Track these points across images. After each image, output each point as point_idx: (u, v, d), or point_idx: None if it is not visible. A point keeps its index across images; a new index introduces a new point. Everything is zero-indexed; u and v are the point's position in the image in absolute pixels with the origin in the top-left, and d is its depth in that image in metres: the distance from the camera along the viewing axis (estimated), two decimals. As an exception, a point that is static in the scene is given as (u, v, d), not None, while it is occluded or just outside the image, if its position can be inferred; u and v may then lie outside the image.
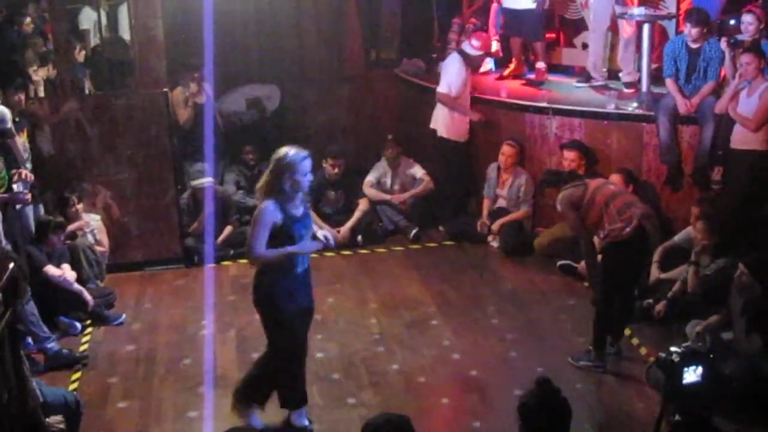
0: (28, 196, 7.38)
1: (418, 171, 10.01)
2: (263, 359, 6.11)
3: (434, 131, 9.71)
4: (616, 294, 6.85)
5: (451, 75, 9.50)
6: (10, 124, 7.18)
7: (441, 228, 9.83)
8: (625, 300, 6.99)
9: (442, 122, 9.65)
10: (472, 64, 9.65)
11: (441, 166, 9.88)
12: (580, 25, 10.37)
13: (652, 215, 6.78)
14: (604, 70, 9.87)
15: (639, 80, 9.23)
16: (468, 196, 10.05)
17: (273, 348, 5.97)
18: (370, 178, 9.96)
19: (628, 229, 6.53)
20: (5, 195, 7.11)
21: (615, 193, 6.86)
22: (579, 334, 7.39)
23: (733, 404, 5.55)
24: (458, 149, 9.74)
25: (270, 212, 5.61)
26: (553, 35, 10.65)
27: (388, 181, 10.01)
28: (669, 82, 8.42)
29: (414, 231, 9.63)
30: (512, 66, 10.52)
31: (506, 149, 9.24)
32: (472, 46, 9.60)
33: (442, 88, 9.54)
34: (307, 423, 6.12)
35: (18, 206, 7.38)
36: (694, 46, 8.26)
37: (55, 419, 5.35)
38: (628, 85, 9.52)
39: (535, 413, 3.80)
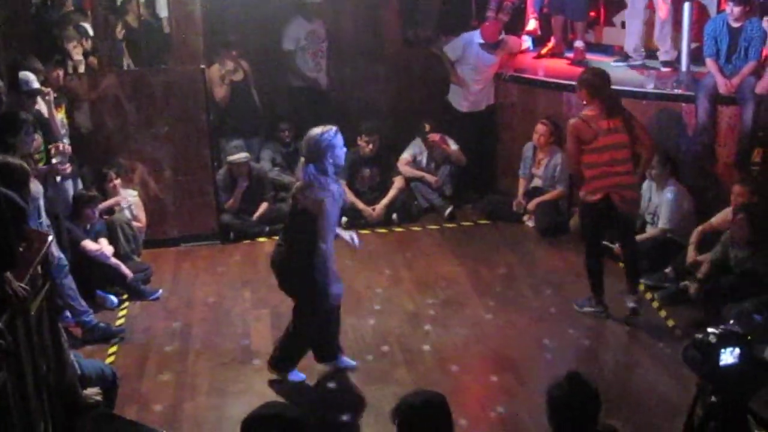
0: (68, 168, 7.43)
1: (452, 145, 9.99)
2: (295, 326, 6.32)
3: None
4: (596, 246, 7.27)
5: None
6: (36, 84, 7.22)
7: (472, 207, 9.86)
8: (626, 251, 7.39)
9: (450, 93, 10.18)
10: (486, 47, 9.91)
11: (460, 140, 10.07)
12: (620, 4, 10.26)
13: (635, 186, 7.19)
14: (642, 49, 9.76)
15: (677, 59, 9.11)
16: (495, 173, 10.13)
17: (308, 312, 6.19)
18: (406, 155, 9.95)
19: (592, 197, 7.00)
20: (44, 167, 7.18)
21: (617, 144, 6.99)
22: (613, 314, 7.36)
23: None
24: (466, 120, 9.97)
25: (331, 203, 5.83)
26: (594, 14, 10.55)
27: (424, 160, 9.99)
28: (709, 61, 8.31)
29: (449, 210, 9.62)
30: (551, 44, 10.44)
31: (540, 128, 9.20)
32: (480, 35, 9.89)
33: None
34: (354, 362, 6.52)
35: (58, 179, 7.45)
36: (735, 25, 8.14)
37: (93, 391, 5.42)
38: (665, 63, 9.42)
39: (564, 406, 3.78)
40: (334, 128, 5.94)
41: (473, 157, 10.05)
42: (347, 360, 6.61)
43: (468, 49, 9.94)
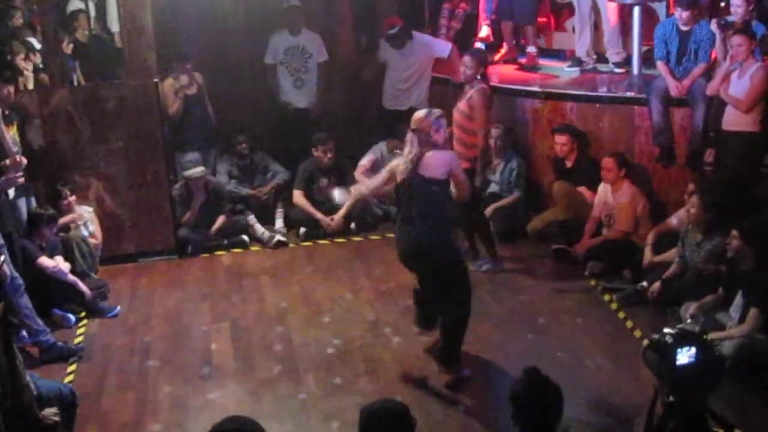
0: (21, 179, 7.33)
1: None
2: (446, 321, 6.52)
3: None
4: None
5: None
6: None
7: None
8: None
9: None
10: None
11: None
12: (571, 10, 10.35)
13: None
14: (593, 53, 9.86)
15: (628, 60, 9.22)
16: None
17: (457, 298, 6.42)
18: (364, 161, 9.78)
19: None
20: None
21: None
22: (573, 316, 7.43)
23: (726, 384, 5.58)
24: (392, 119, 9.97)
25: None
26: (544, 19, 10.64)
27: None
28: (660, 64, 8.43)
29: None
30: (503, 50, 10.52)
31: (494, 132, 9.18)
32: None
33: None
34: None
35: (11, 193, 7.35)
36: (684, 28, 8.26)
37: (50, 411, 5.33)
38: (617, 65, 9.54)
39: (525, 401, 3.81)
40: (440, 111, 6.36)
41: None
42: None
43: (383, 51, 10.04)
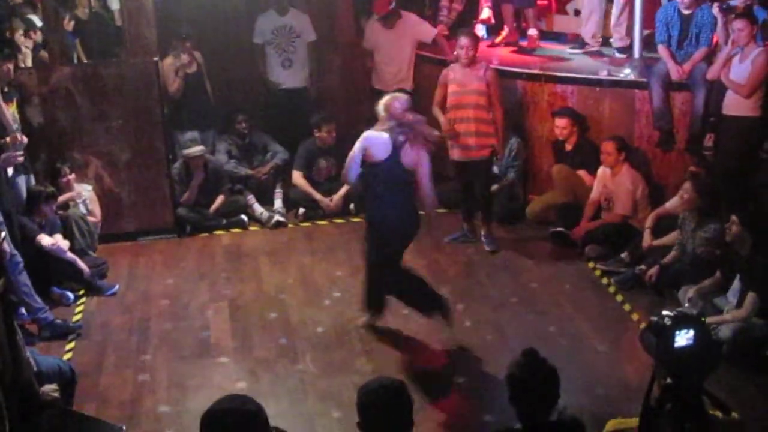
0: (20, 158, 7.32)
1: None
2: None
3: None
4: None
5: None
6: None
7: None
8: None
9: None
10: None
11: None
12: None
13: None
14: (600, 36, 9.84)
15: (631, 46, 9.21)
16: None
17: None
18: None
19: None
20: None
21: (459, 104, 8.10)
22: (571, 299, 7.45)
23: (723, 367, 5.60)
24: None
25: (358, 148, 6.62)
26: (545, 2, 10.61)
27: None
28: (661, 48, 8.41)
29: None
30: (504, 33, 10.49)
31: None
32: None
33: None
34: None
35: (10, 171, 7.35)
36: (686, 12, 8.24)
37: (49, 387, 5.36)
38: (620, 50, 9.52)
39: (522, 383, 3.81)
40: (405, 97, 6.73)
41: None
42: None
43: (372, 32, 9.94)
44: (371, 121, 9.84)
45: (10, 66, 7.88)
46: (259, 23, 10.12)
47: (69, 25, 9.64)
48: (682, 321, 3.82)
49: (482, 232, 8.59)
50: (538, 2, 10.39)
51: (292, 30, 10.13)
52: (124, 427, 5.53)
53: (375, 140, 6.48)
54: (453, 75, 8.20)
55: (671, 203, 7.87)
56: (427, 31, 9.92)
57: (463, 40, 8.13)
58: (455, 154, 8.36)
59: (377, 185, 6.56)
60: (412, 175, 6.58)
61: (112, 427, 5.48)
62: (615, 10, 9.54)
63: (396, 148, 6.43)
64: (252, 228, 9.27)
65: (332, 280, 7.95)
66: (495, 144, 8.22)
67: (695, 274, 6.98)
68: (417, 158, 6.51)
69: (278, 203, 9.57)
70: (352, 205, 9.49)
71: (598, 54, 9.77)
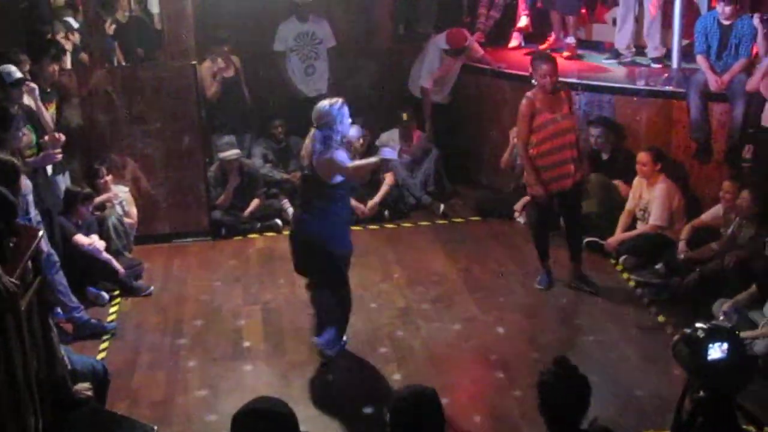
0: (59, 156, 7.40)
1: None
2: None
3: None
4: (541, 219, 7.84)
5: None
6: (19, 74, 7.16)
7: (463, 203, 9.94)
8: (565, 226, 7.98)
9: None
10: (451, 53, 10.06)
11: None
12: (610, 1, 10.29)
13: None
14: (633, 47, 9.79)
15: (666, 55, 9.14)
16: (480, 168, 10.36)
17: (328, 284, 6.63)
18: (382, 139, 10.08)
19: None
20: (36, 159, 7.15)
21: (557, 132, 7.35)
22: (605, 310, 7.39)
23: (758, 382, 5.54)
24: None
25: (345, 157, 6.32)
26: (584, 10, 10.57)
27: (396, 149, 10.02)
28: (700, 58, 8.34)
29: (441, 208, 9.62)
30: (551, 40, 10.46)
31: None
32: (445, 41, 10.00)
33: None
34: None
35: (49, 170, 7.43)
36: (726, 22, 8.17)
37: (83, 386, 5.40)
38: (655, 60, 9.45)
39: (553, 390, 3.80)
40: (341, 100, 6.37)
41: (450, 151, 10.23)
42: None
43: (433, 54, 10.09)
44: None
45: (56, 67, 8.00)
46: (280, 30, 10.14)
47: (110, 28, 9.75)
48: (716, 334, 3.78)
49: (576, 274, 7.84)
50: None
51: (314, 36, 10.16)
52: (156, 428, 5.56)
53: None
54: (540, 104, 7.38)
55: (708, 215, 7.80)
56: (477, 51, 10.13)
57: (545, 67, 7.35)
58: (548, 187, 7.51)
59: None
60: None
61: (144, 427, 5.51)
62: (646, 21, 9.49)
63: None
64: (286, 232, 9.25)
65: (365, 286, 7.94)
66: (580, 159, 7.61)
67: (733, 286, 6.89)
68: None
69: (312, 208, 9.58)
70: (386, 212, 9.50)
71: (633, 64, 9.71)
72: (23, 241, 4.70)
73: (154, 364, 6.78)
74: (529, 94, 7.45)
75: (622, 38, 9.81)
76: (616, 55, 9.86)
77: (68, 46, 8.99)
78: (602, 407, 4.76)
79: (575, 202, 7.78)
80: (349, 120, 6.40)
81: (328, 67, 10.23)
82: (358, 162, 6.73)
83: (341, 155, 6.27)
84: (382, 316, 7.39)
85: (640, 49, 9.80)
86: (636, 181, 8.28)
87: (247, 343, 7.04)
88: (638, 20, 9.72)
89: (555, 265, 7.99)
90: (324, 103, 6.34)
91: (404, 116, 9.97)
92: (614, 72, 9.55)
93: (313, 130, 6.34)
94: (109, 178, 8.47)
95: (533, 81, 7.44)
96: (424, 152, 10.01)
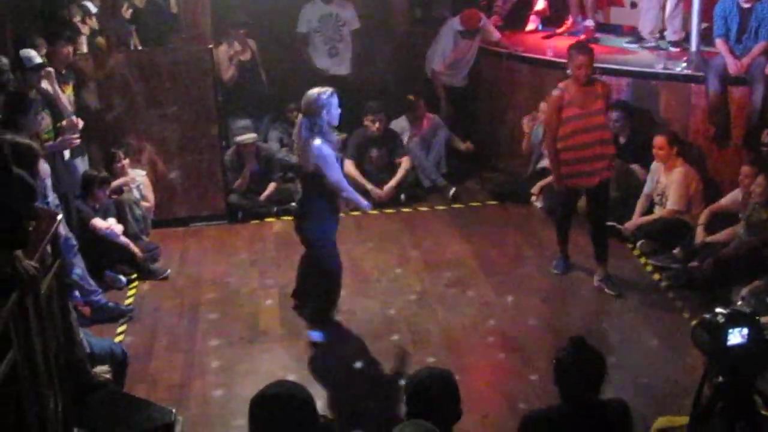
0: (77, 141, 7.42)
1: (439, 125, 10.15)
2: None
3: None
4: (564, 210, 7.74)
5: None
6: (39, 59, 7.19)
7: (480, 186, 9.90)
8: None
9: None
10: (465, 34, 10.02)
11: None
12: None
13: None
14: (657, 32, 9.71)
15: (685, 39, 9.07)
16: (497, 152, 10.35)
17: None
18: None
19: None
20: (54, 143, 7.18)
21: (587, 128, 7.20)
22: (620, 296, 7.36)
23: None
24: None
25: (327, 149, 6.31)
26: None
27: (405, 139, 9.97)
28: (719, 42, 8.27)
29: (452, 191, 9.60)
30: (568, 23, 10.40)
31: (542, 105, 9.06)
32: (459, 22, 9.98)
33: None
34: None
35: (66, 154, 7.45)
36: (745, 5, 8.09)
37: (102, 369, 5.45)
38: (674, 44, 9.38)
39: (569, 369, 3.81)
40: (330, 90, 6.38)
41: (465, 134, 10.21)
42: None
43: (447, 37, 10.04)
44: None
45: (70, 49, 8.01)
46: (304, 12, 10.16)
47: (127, 12, 9.75)
48: (735, 319, 3.76)
49: (598, 277, 7.59)
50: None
51: (338, 18, 10.15)
52: (174, 410, 5.59)
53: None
54: (570, 97, 7.17)
55: (726, 199, 7.76)
56: (493, 34, 10.07)
57: (580, 58, 7.09)
58: (572, 182, 7.43)
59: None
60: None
61: (162, 410, 5.54)
62: (670, 4, 9.40)
63: None
64: (302, 216, 9.30)
65: (381, 270, 7.96)
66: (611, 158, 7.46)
67: (750, 271, 6.86)
68: None
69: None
70: (402, 195, 9.50)
71: (654, 48, 9.64)
72: (42, 224, 4.73)
73: (172, 346, 6.81)
74: (561, 85, 7.29)
75: (647, 23, 9.72)
76: (638, 39, 9.77)
77: (85, 30, 8.99)
78: (619, 392, 4.74)
79: (602, 200, 7.51)
80: (338, 110, 6.39)
81: (352, 49, 10.20)
82: (348, 191, 6.69)
83: (327, 149, 6.32)
84: (399, 300, 7.40)
85: (660, 33, 9.72)
86: (654, 165, 8.24)
87: (263, 327, 7.06)
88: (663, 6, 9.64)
89: (572, 250, 7.96)
90: (313, 91, 6.35)
91: (410, 97, 9.95)
92: (633, 55, 9.48)
93: (300, 117, 6.41)
94: (126, 162, 8.49)
95: (568, 71, 7.31)
96: (434, 133, 9.99)
